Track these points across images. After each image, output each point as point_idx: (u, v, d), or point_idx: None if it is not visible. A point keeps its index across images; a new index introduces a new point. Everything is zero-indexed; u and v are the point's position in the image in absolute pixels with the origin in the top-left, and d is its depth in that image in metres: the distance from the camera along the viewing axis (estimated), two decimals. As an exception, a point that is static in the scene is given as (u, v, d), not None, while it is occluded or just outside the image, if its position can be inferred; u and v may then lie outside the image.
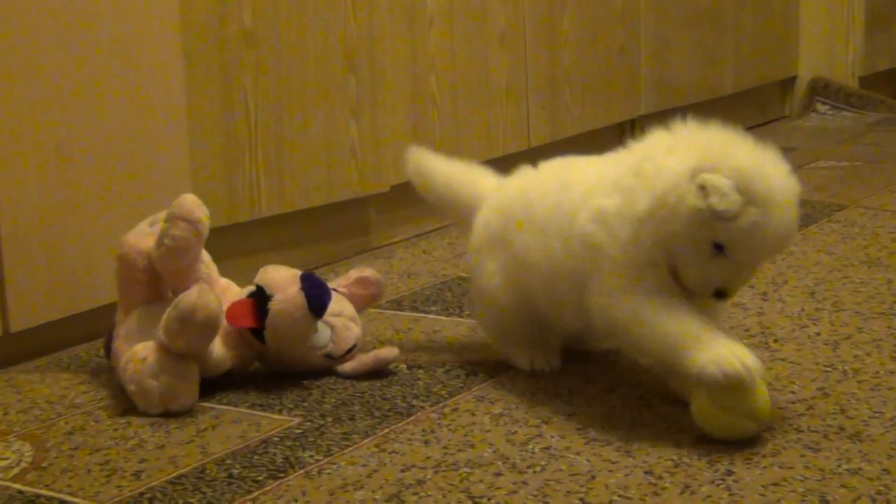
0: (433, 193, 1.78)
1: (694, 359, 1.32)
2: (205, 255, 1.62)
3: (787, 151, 3.10)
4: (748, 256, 1.36)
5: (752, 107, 3.61)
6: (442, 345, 1.75)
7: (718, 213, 1.29)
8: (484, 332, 1.69)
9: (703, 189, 1.30)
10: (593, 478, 1.28)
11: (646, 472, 1.28)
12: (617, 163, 1.46)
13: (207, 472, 1.35)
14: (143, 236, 1.62)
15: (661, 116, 3.12)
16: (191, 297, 1.49)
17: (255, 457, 1.38)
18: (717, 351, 1.31)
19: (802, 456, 1.30)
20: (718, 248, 1.33)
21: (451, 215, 1.82)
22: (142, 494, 1.29)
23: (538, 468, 1.31)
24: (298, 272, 1.61)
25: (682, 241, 1.34)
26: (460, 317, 1.87)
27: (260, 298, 1.59)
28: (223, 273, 1.69)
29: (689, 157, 1.34)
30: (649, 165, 1.37)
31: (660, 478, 1.27)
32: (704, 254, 1.34)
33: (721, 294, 1.38)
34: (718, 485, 1.24)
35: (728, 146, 1.35)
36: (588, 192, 1.45)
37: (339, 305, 1.64)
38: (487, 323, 1.66)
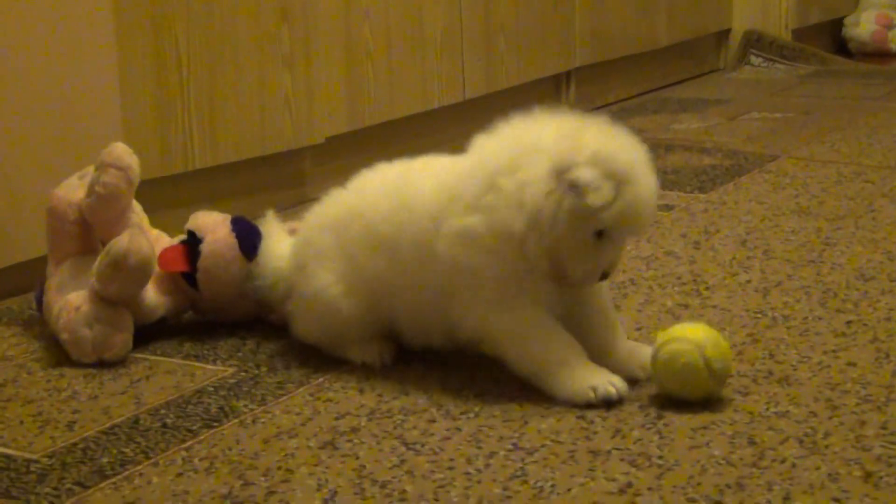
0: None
1: (563, 384, 1.33)
2: (136, 205, 1.62)
3: (721, 103, 3.14)
4: (630, 232, 1.36)
5: (687, 59, 3.63)
6: (377, 295, 1.75)
7: (599, 207, 1.27)
8: (311, 342, 1.53)
9: (574, 187, 1.27)
10: (526, 423, 1.29)
11: (578, 417, 1.29)
12: (456, 176, 1.39)
13: (141, 422, 1.34)
14: (73, 189, 1.61)
15: (596, 68, 3.14)
16: (122, 241, 1.48)
17: (190, 407, 1.38)
18: (584, 376, 1.33)
19: (732, 400, 1.32)
20: (599, 235, 1.31)
21: None
22: (75, 445, 1.29)
23: (472, 414, 1.32)
24: (229, 216, 1.60)
25: (566, 241, 1.30)
26: (395, 267, 1.87)
27: (191, 243, 1.58)
28: (157, 225, 1.69)
29: (541, 160, 1.30)
30: (506, 181, 1.31)
31: (591, 422, 1.28)
32: (587, 244, 1.31)
33: (606, 275, 1.37)
34: (649, 428, 1.26)
35: (574, 134, 1.32)
36: (436, 214, 1.38)
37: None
38: (321, 333, 1.51)
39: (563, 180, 1.28)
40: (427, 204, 1.40)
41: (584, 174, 1.27)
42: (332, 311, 1.47)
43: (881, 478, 1.14)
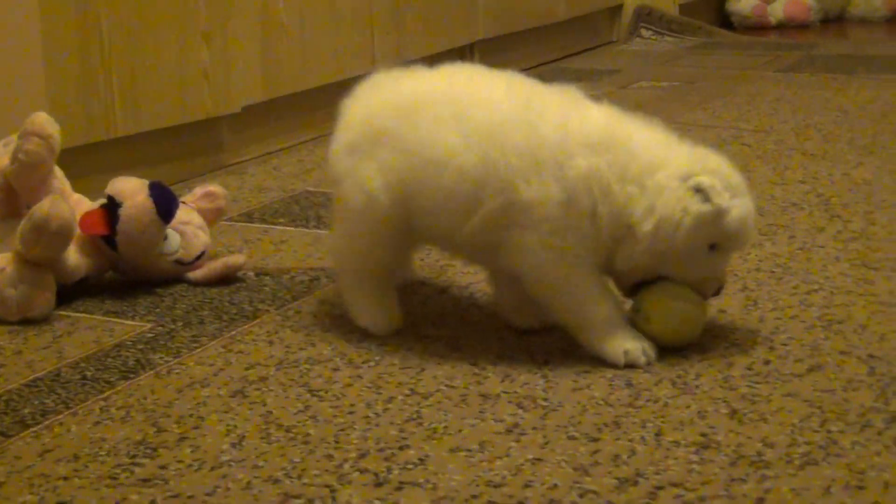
0: None
1: (600, 341, 1.29)
2: (58, 171, 1.60)
3: (613, 73, 3.15)
4: (737, 246, 1.33)
5: (583, 32, 3.64)
6: (288, 253, 1.74)
7: (723, 211, 1.26)
8: (339, 253, 1.45)
9: (700, 192, 1.25)
10: (423, 370, 1.30)
11: (471, 364, 1.30)
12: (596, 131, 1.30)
13: (62, 374, 1.33)
14: (-3, 155, 1.59)
15: (498, 40, 3.14)
16: (44, 206, 1.47)
17: (109, 359, 1.37)
18: (622, 339, 1.29)
19: (612, 345, 1.33)
20: (712, 248, 1.29)
21: None
22: (-1, 397, 1.28)
23: (373, 362, 1.32)
24: (147, 181, 1.59)
25: (680, 250, 1.27)
26: (306, 228, 1.87)
27: (111, 207, 1.57)
28: (80, 190, 1.67)
29: (673, 168, 1.27)
30: (651, 181, 1.26)
31: (483, 368, 1.29)
32: (701, 255, 1.29)
33: (720, 290, 1.34)
34: (535, 373, 1.27)
35: (695, 150, 1.31)
36: (562, 145, 1.27)
37: (187, 215, 1.63)
38: (352, 239, 1.40)
39: (689, 186, 1.26)
40: (560, 120, 1.29)
41: (709, 181, 1.26)
42: (368, 209, 1.34)
43: (745, 414, 1.16)
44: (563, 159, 1.26)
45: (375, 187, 1.33)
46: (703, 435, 1.12)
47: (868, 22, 4.17)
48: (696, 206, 1.25)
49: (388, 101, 1.40)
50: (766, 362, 1.28)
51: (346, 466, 1.09)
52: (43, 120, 1.55)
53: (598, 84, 3.02)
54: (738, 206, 1.28)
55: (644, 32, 3.79)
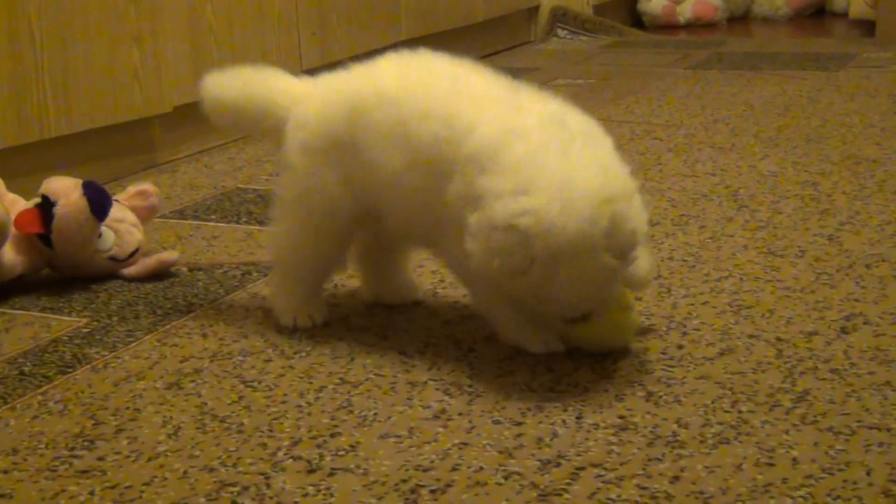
0: (231, 112, 1.49)
1: (516, 334, 1.28)
2: (-8, 173, 1.58)
3: (532, 71, 3.16)
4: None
5: (502, 32, 3.65)
6: (220, 249, 1.73)
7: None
8: (285, 248, 1.39)
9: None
10: (352, 359, 1.30)
11: (399, 353, 1.30)
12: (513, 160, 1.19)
13: (0, 370, 1.31)
14: (-68, 156, 1.56)
15: (420, 41, 3.13)
16: (-22, 209, 1.45)
17: (46, 355, 1.35)
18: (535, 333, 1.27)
19: (534, 333, 1.34)
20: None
21: (254, 128, 1.49)
22: (-63, 393, 1.26)
23: (304, 353, 1.32)
24: (80, 181, 1.57)
25: None
26: (238, 224, 1.86)
27: (45, 206, 1.55)
28: (16, 191, 1.65)
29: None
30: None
31: (411, 357, 1.29)
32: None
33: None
34: (461, 360, 1.28)
35: None
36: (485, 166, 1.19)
37: (121, 213, 1.62)
38: (305, 235, 1.36)
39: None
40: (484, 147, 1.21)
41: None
42: (325, 211, 1.32)
43: (660, 397, 1.17)
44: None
45: (337, 192, 1.31)
46: (622, 417, 1.13)
47: (771, 21, 4.23)
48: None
49: (340, 102, 1.34)
50: (680, 347, 1.29)
51: (280, 454, 1.08)
52: (-24, 122, 1.52)
53: (518, 81, 3.03)
54: None
55: (560, 32, 3.82)
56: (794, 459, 1.04)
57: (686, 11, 4.14)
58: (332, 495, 1.01)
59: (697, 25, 4.13)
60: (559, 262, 1.14)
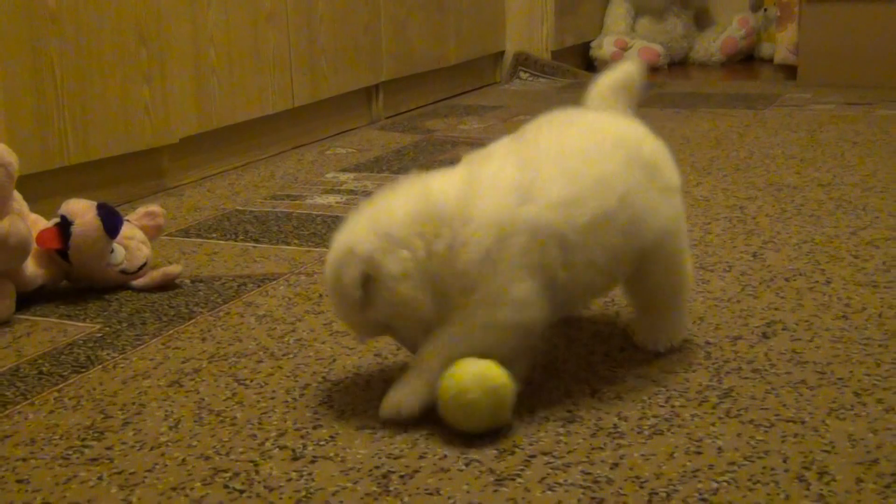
0: None
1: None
2: (17, 194, 1.56)
3: (497, 108, 3.17)
4: None
5: (471, 74, 3.66)
6: (219, 263, 1.73)
7: None
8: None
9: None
10: (334, 361, 1.29)
11: (375, 355, 1.30)
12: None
13: (21, 370, 1.31)
14: (-37, 181, 1.55)
15: (399, 81, 3.14)
16: (4, 225, 1.44)
17: (62, 356, 1.35)
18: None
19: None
20: None
21: None
22: (-36, 391, 1.25)
23: (292, 355, 1.32)
24: (95, 203, 1.57)
25: None
26: (235, 241, 1.85)
27: (64, 225, 1.54)
28: (38, 212, 1.64)
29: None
30: None
31: (385, 358, 1.29)
32: None
33: None
34: (429, 361, 1.27)
35: None
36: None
37: (131, 231, 1.61)
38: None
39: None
40: None
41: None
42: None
43: (604, 393, 1.17)
44: None
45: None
46: (569, 411, 1.13)
47: (706, 65, 4.25)
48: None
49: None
50: (622, 349, 1.30)
51: (268, 444, 1.08)
52: (2, 149, 1.51)
53: (485, 118, 3.04)
54: None
55: (522, 74, 3.83)
56: (720, 448, 1.04)
57: (633, 56, 4.16)
58: (313, 480, 1.00)
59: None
60: None
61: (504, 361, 1.09)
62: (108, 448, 1.09)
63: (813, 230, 1.77)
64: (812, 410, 1.11)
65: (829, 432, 1.06)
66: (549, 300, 1.11)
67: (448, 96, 3.49)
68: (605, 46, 4.16)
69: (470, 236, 1.08)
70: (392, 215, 1.10)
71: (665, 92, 3.50)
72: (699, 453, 1.03)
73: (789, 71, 3.72)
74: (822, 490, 0.96)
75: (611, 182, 1.13)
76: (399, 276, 1.08)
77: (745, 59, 4.30)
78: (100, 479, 1.02)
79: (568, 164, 1.13)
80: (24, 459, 1.07)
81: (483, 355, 1.08)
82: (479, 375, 1.06)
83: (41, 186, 1.88)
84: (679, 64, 4.29)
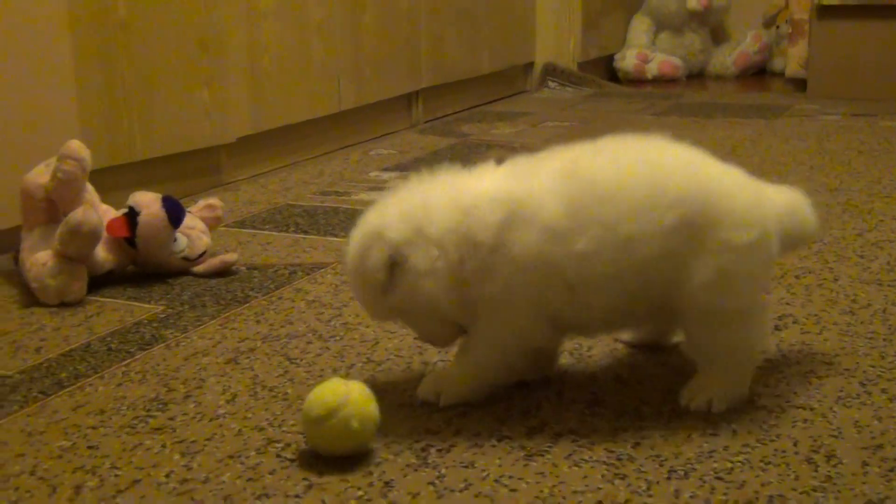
0: None
1: None
2: (89, 186, 1.58)
3: (526, 115, 3.16)
4: None
5: (502, 83, 3.65)
6: (272, 252, 1.73)
7: None
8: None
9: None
10: (377, 343, 1.29)
11: (414, 339, 1.30)
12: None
13: (92, 346, 1.32)
14: (40, 174, 1.56)
15: (437, 89, 3.14)
16: (77, 214, 1.45)
17: (129, 335, 1.35)
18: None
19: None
20: None
21: None
22: (41, 364, 1.26)
23: (338, 338, 1.32)
24: (160, 195, 1.58)
25: None
26: (287, 232, 1.86)
27: (131, 215, 1.55)
28: (109, 203, 1.65)
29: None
30: None
31: (423, 343, 1.29)
32: None
33: None
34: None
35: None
36: None
37: (192, 221, 1.62)
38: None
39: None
40: None
41: None
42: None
43: (627, 379, 1.17)
44: None
45: None
46: (594, 394, 1.13)
47: (722, 77, 4.22)
48: None
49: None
50: (643, 338, 1.29)
51: (317, 418, 1.08)
52: (77, 146, 1.53)
53: (515, 123, 3.03)
54: None
55: (550, 84, 3.82)
56: (734, 431, 1.03)
57: (653, 69, 4.13)
58: (358, 452, 1.01)
59: (662, 80, 4.13)
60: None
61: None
62: (171, 418, 1.09)
63: (822, 231, 1.75)
64: (821, 398, 1.10)
65: (836, 419, 1.06)
66: (555, 329, 1.07)
67: (481, 103, 3.49)
68: (627, 59, 4.14)
69: (499, 266, 1.01)
70: (429, 213, 1.03)
71: (683, 102, 3.48)
72: (715, 435, 1.02)
73: (799, 84, 3.69)
74: (829, 472, 0.95)
75: (634, 247, 1.00)
76: (424, 272, 1.02)
77: (758, 73, 4.27)
78: (163, 446, 1.03)
79: (605, 213, 1.01)
80: (94, 427, 1.08)
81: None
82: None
83: (111, 180, 1.89)
84: (696, 76, 4.27)
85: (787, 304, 1.40)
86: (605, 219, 1.00)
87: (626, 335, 1.25)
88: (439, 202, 1.04)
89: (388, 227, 1.03)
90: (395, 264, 1.02)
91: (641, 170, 1.03)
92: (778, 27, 4.19)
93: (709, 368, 1.09)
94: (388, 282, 1.03)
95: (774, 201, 1.10)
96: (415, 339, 1.28)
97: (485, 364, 1.08)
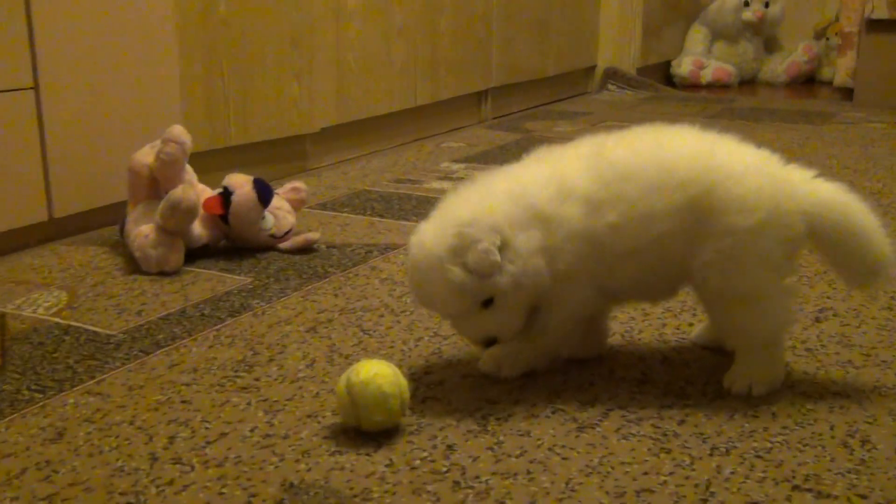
0: None
1: None
2: (189, 167, 1.60)
3: (587, 115, 3.14)
4: None
5: (566, 85, 3.63)
6: (350, 233, 1.74)
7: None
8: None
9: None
10: (443, 320, 1.29)
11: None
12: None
13: (187, 311, 1.34)
14: (146, 154, 1.59)
15: (505, 88, 3.12)
16: (177, 192, 1.47)
17: (220, 303, 1.37)
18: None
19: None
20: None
21: None
22: (141, 325, 1.28)
23: (408, 313, 1.32)
24: (252, 177, 1.59)
25: None
26: (364, 215, 1.87)
27: (225, 194, 1.57)
28: (206, 183, 1.67)
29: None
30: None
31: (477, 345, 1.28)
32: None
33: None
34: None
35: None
36: None
37: (279, 202, 1.63)
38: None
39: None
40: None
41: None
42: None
43: (673, 360, 1.15)
44: None
45: None
46: (643, 373, 1.12)
47: (773, 85, 4.14)
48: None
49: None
50: (691, 324, 1.27)
51: (387, 385, 1.09)
52: (179, 130, 1.55)
53: (576, 122, 3.01)
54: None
55: (610, 86, 3.77)
56: (774, 414, 1.01)
57: (708, 75, 4.07)
58: (423, 416, 1.01)
59: (716, 86, 4.06)
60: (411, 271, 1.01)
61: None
62: (256, 379, 1.11)
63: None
64: (857, 387, 1.08)
65: (872, 406, 1.03)
66: (604, 299, 1.06)
67: (546, 102, 3.46)
68: (683, 65, 4.08)
69: (563, 243, 1.00)
70: (503, 201, 1.00)
71: (735, 106, 3.42)
72: (756, 417, 1.01)
73: (846, 93, 3.60)
74: (863, 456, 0.93)
75: (652, 224, 1.00)
76: (534, 250, 0.99)
77: (808, 81, 4.18)
78: (248, 404, 1.04)
79: (627, 190, 1.00)
80: (187, 384, 1.10)
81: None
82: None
83: (208, 162, 1.92)
84: (748, 83, 4.19)
85: (828, 297, 1.37)
86: (628, 195, 1.00)
87: (699, 338, 1.20)
88: (505, 190, 1.02)
89: (493, 213, 0.98)
90: (502, 246, 0.97)
91: (654, 152, 1.02)
92: (828, 39, 4.09)
93: (746, 354, 1.06)
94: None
95: (807, 189, 1.03)
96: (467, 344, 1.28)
97: (552, 336, 1.07)
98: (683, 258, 1.01)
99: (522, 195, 1.01)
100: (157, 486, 0.88)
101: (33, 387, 1.09)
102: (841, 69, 3.71)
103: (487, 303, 0.99)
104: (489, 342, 1.03)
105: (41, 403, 1.05)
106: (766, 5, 4.13)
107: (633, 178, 1.00)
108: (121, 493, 0.87)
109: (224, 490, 0.87)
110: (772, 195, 1.00)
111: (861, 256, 1.03)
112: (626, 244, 1.00)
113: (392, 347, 1.19)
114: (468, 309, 1.00)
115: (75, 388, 1.09)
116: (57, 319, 1.30)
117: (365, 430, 0.96)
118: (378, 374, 0.95)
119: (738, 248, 0.99)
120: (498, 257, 0.97)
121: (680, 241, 1.00)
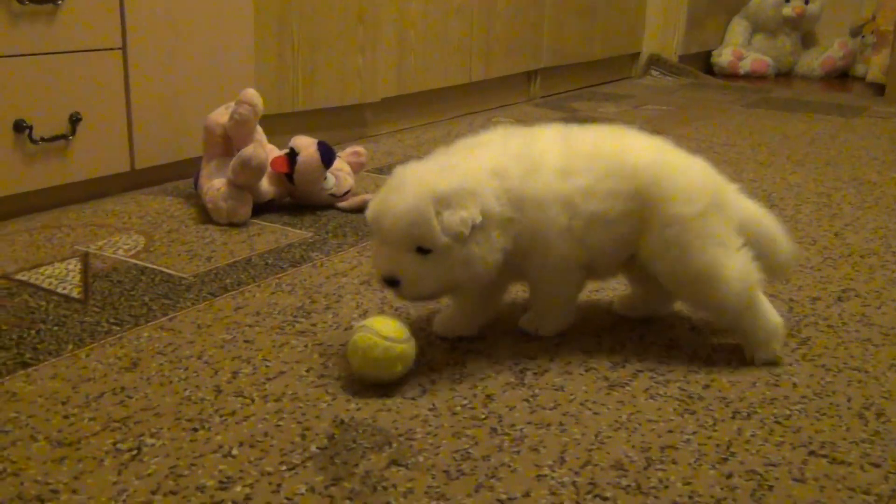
0: None
1: None
2: (259, 128, 1.60)
3: (630, 97, 3.09)
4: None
5: (611, 69, 3.57)
6: (404, 196, 1.74)
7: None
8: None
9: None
10: (488, 280, 1.29)
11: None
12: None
13: (252, 260, 1.35)
14: (220, 114, 1.60)
15: (554, 69, 3.09)
16: (248, 150, 1.48)
17: (283, 253, 1.38)
18: None
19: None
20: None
21: None
22: (210, 271, 1.30)
23: (455, 272, 1.32)
24: (316, 140, 1.59)
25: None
26: (417, 181, 1.86)
27: (292, 154, 1.57)
28: (274, 144, 1.68)
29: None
30: None
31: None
32: None
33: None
34: (562, 288, 1.26)
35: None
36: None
37: (340, 164, 1.63)
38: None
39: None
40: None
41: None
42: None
43: (701, 329, 1.14)
44: None
45: None
46: (671, 339, 1.11)
47: (808, 78, 4.04)
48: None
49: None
50: (719, 296, 1.25)
51: (433, 337, 1.09)
52: (252, 93, 1.55)
53: (620, 104, 2.97)
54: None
55: (653, 72, 3.72)
56: (794, 384, 1.00)
57: (746, 65, 3.99)
58: (464, 367, 1.01)
59: (753, 76, 3.98)
60: None
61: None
62: (313, 325, 1.12)
63: (888, 219, 1.67)
64: (875, 363, 1.06)
65: (888, 382, 1.01)
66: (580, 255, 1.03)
67: (591, 84, 3.42)
68: (723, 55, 4.00)
69: (530, 210, 0.98)
70: (473, 172, 0.96)
71: (771, 97, 3.35)
72: (777, 385, 0.99)
73: (878, 88, 3.51)
74: (878, 427, 0.91)
75: (611, 203, 1.00)
76: (497, 249, 0.96)
77: (842, 76, 4.07)
78: (305, 347, 1.05)
79: (592, 168, 1.01)
80: (250, 326, 1.11)
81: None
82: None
83: (277, 124, 1.92)
84: (784, 75, 4.10)
85: (851, 279, 1.35)
86: (594, 171, 1.01)
87: (621, 308, 1.18)
88: (479, 163, 0.98)
89: (484, 192, 0.94)
90: (478, 228, 0.93)
91: (612, 142, 1.03)
92: (863, 37, 3.98)
93: (736, 327, 1.04)
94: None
95: (740, 202, 1.07)
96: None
97: (556, 293, 1.07)
98: (636, 238, 1.01)
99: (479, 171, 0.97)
100: (221, 416, 0.89)
101: (112, 320, 1.11)
102: (875, 66, 3.61)
103: (425, 252, 0.93)
104: (391, 282, 0.94)
105: (118, 335, 1.07)
106: (806, 2, 4.03)
107: (595, 159, 1.01)
108: (188, 420, 0.88)
109: (280, 423, 0.88)
110: (714, 184, 1.03)
111: (773, 255, 1.07)
112: (596, 206, 0.99)
113: (438, 302, 1.19)
114: (406, 244, 0.93)
115: (150, 324, 1.10)
116: (135, 261, 1.32)
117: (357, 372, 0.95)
118: (374, 342, 0.93)
119: (683, 236, 0.99)
120: (468, 232, 0.92)
121: (632, 224, 1.01)
